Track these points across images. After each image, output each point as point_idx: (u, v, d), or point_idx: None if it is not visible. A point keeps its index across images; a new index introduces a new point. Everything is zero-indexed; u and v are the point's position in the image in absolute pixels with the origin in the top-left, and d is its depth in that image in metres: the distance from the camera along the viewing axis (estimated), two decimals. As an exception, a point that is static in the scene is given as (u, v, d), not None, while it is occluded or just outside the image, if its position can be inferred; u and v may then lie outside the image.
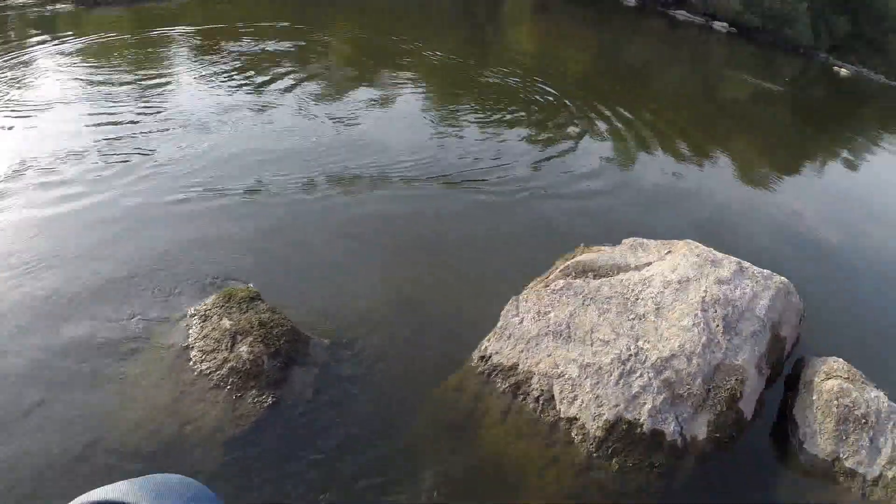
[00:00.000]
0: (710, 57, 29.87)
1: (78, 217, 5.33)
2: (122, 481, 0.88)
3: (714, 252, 5.22)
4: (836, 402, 4.33)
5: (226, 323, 4.16)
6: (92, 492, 0.85)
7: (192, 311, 4.42)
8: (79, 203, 5.54)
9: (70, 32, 14.85)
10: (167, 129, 7.38)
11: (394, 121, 8.86)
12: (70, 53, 12.15)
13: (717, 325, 4.40)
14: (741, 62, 30.52)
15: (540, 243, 6.30)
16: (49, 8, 19.48)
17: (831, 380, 4.48)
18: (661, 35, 34.86)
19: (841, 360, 4.71)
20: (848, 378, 4.50)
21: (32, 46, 12.86)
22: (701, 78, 22.20)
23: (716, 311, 4.48)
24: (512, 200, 7.09)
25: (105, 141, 6.87)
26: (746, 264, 5.09)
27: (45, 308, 4.32)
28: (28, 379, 3.81)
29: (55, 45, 13.01)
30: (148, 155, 6.62)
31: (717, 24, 47.98)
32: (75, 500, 0.83)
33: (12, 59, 11.50)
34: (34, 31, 14.67)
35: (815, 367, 4.69)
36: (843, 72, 42.01)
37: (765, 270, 5.08)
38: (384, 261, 5.52)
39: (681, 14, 48.65)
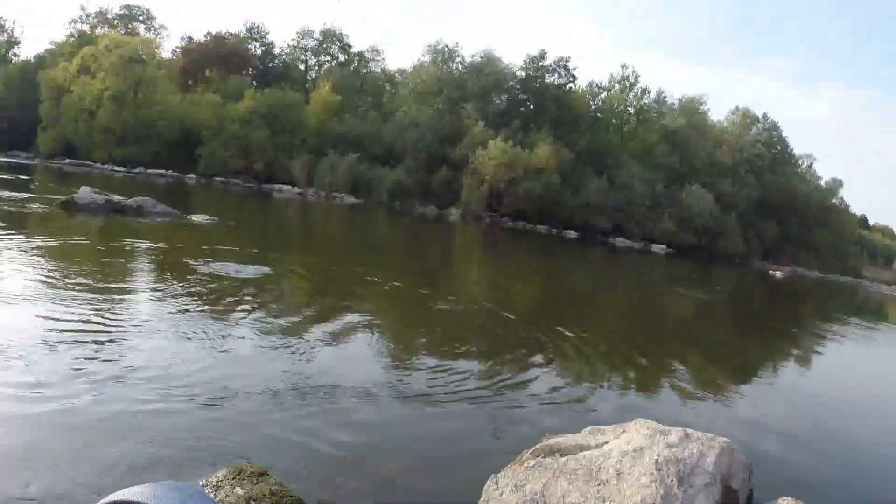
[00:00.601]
0: (652, 276, 31.59)
1: (52, 417, 5.77)
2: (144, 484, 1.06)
3: (662, 425, 5.92)
4: (785, 538, 4.91)
5: (239, 491, 4.66)
6: (116, 492, 1.02)
7: (202, 482, 4.89)
8: (52, 404, 6.00)
9: (47, 232, 15.93)
10: (130, 337, 8.06)
11: (359, 346, 9.62)
12: (41, 252, 13.14)
13: (672, 480, 5.03)
14: (681, 278, 32.27)
15: (509, 436, 7.00)
16: (33, 207, 20.72)
17: (779, 518, 5.08)
18: (604, 261, 36.81)
19: (790, 498, 5.34)
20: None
21: (8, 239, 13.88)
22: (645, 296, 23.56)
23: (669, 469, 5.13)
24: (479, 406, 7.77)
25: (71, 342, 7.51)
26: (691, 431, 5.78)
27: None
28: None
29: (30, 241, 14.05)
30: (113, 360, 7.20)
31: (656, 247, 50.79)
32: (102, 500, 1.00)
33: None
34: (11, 226, 15.74)
35: (767, 510, 5.29)
36: (779, 273, 44.42)
37: (708, 433, 5.78)
38: (375, 445, 6.15)
39: (620, 241, 51.50)
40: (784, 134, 67.41)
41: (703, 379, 11.08)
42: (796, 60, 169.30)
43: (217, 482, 4.89)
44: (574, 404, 8.50)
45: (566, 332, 12.83)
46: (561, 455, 5.51)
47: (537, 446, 5.76)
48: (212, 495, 4.74)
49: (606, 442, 5.76)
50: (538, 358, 10.64)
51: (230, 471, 5.01)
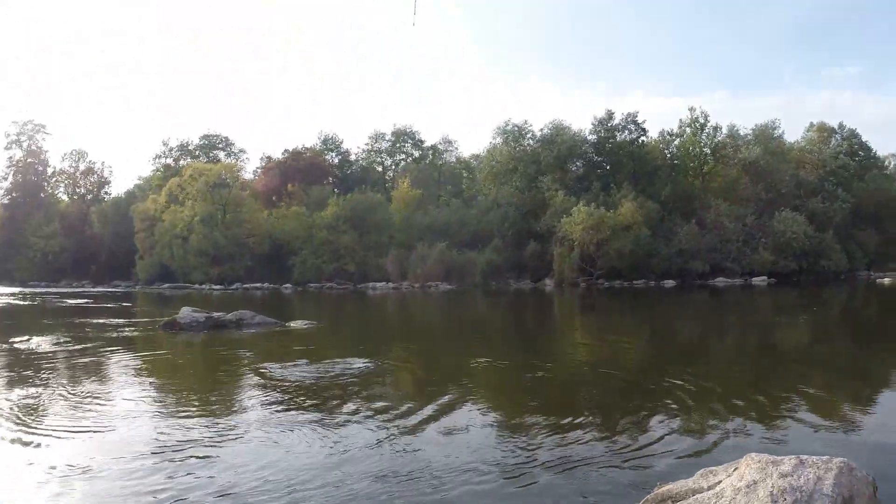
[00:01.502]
0: (756, 310, 30.65)
1: None
2: None
3: (774, 456, 5.75)
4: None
5: None
6: None
7: None
8: None
9: (153, 352, 16.69)
10: (239, 444, 8.23)
11: (468, 427, 9.64)
12: (148, 370, 13.83)
13: (790, 511, 4.87)
14: (787, 306, 31.21)
15: (625, 490, 6.88)
16: (138, 330, 21.75)
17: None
18: (706, 304, 35.99)
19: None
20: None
21: (116, 360, 14.59)
22: (752, 331, 22.89)
23: (785, 499, 4.97)
24: (589, 467, 7.67)
25: (182, 454, 7.68)
26: (805, 456, 5.59)
27: None
28: None
29: (136, 360, 14.78)
30: (218, 473, 7.36)
31: (756, 280, 49.43)
32: None
33: (97, 367, 13.11)
34: (119, 349, 16.55)
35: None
36: (887, 280, 42.55)
37: (823, 456, 5.58)
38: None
39: (720, 281, 50.36)
40: (864, 139, 65.50)
41: (820, 406, 10.63)
42: (857, 66, 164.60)
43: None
44: (687, 451, 8.28)
45: (675, 381, 12.55)
46: (673, 502, 5.40)
47: (649, 497, 5.66)
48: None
49: (718, 482, 5.62)
50: (651, 411, 10.43)
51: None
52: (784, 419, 9.75)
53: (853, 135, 65.28)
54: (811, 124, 68.33)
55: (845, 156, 62.16)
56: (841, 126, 66.22)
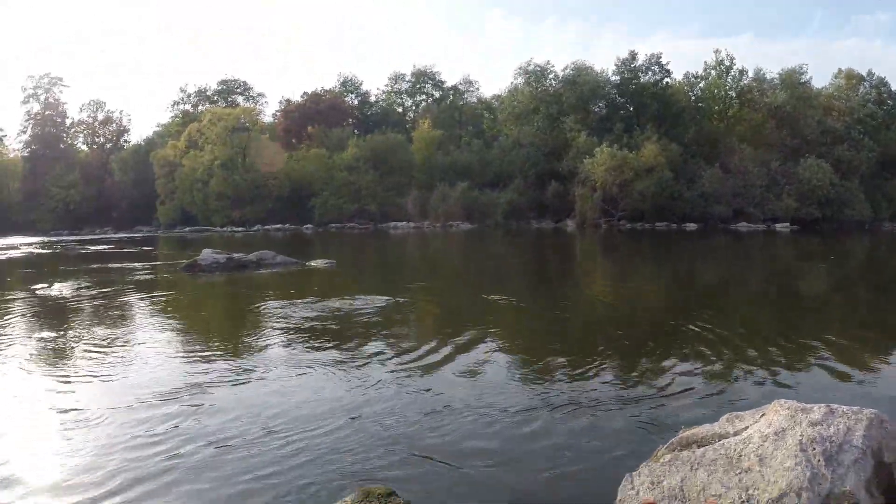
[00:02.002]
0: (779, 256, 30.39)
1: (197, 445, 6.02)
2: None
3: (803, 403, 5.63)
4: (953, 507, 4.57)
5: None
6: None
7: None
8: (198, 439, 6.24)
9: (175, 293, 16.84)
10: (263, 375, 8.23)
11: (489, 363, 9.59)
12: (172, 311, 13.98)
13: (819, 460, 4.77)
14: (809, 253, 30.90)
15: (645, 435, 6.82)
16: (159, 273, 22.02)
17: (943, 489, 4.74)
18: (728, 248, 35.67)
19: (949, 469, 4.97)
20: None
21: (139, 302, 14.74)
22: (775, 277, 22.70)
23: (814, 449, 4.87)
24: (612, 409, 7.61)
25: (213, 383, 7.83)
26: (835, 406, 5.47)
27: None
28: None
29: (159, 302, 14.98)
30: (249, 396, 7.37)
31: (780, 226, 48.92)
32: None
33: (119, 310, 13.25)
34: (141, 291, 16.78)
35: (927, 486, 4.94)
36: (910, 231, 42.05)
37: (853, 406, 5.46)
38: (511, 458, 6.12)
39: (742, 226, 49.91)
40: (893, 88, 63.96)
41: (845, 353, 10.49)
42: (889, 13, 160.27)
43: (347, 505, 4.97)
44: (711, 395, 8.21)
45: (698, 324, 12.47)
46: (698, 446, 5.32)
47: (673, 440, 5.58)
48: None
49: (745, 428, 5.52)
50: (673, 354, 10.37)
51: (358, 494, 5.07)
52: (808, 367, 9.63)
53: (882, 83, 63.82)
54: (839, 70, 66.74)
55: (873, 104, 60.82)
56: (870, 74, 64.72)
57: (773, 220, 50.61)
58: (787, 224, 49.33)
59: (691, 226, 50.41)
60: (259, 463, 5.98)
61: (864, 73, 64.97)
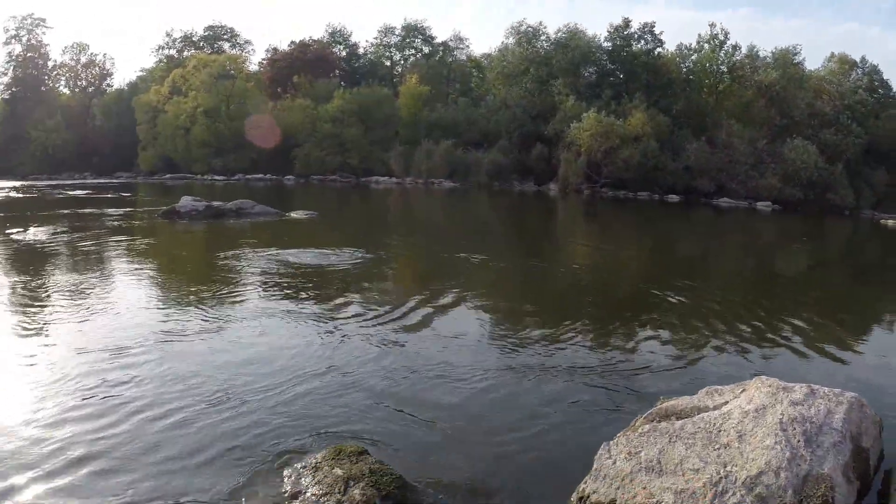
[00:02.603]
0: (759, 234, 30.47)
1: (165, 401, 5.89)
2: None
3: (784, 382, 5.57)
4: (930, 494, 4.53)
5: (338, 471, 4.64)
6: None
7: (301, 464, 4.94)
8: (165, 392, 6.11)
9: (152, 239, 16.63)
10: (239, 326, 8.07)
11: (467, 322, 9.50)
12: (148, 257, 13.74)
13: (798, 441, 4.71)
14: (790, 234, 31.00)
15: (621, 402, 6.77)
16: (138, 219, 21.73)
17: (921, 476, 4.70)
18: (710, 223, 35.79)
19: (927, 456, 4.94)
20: (937, 470, 4.71)
21: (116, 247, 14.52)
22: (754, 254, 22.74)
23: (794, 429, 4.80)
24: (589, 375, 7.55)
25: (183, 336, 7.57)
26: (816, 386, 5.42)
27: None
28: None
29: (136, 248, 14.75)
30: (224, 349, 7.23)
31: (761, 205, 49.03)
32: None
33: (93, 255, 13.05)
34: (118, 237, 16.50)
35: (904, 471, 4.91)
36: (891, 222, 42.21)
37: (835, 389, 5.41)
38: (486, 420, 6.04)
39: (724, 201, 49.98)
40: (885, 77, 63.86)
41: (822, 334, 10.52)
42: (889, 1, 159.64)
43: (316, 464, 4.86)
44: (688, 367, 8.19)
45: (676, 296, 12.46)
46: (677, 419, 5.25)
47: (652, 411, 5.51)
48: (311, 476, 4.74)
49: (725, 403, 5.46)
50: (649, 323, 10.35)
51: (329, 452, 4.97)
52: (783, 345, 9.62)
53: (875, 70, 63.48)
54: (833, 54, 66.25)
55: (864, 91, 60.58)
56: (863, 60, 64.25)
57: (756, 199, 50.64)
58: (769, 203, 49.38)
59: (673, 197, 50.39)
60: (229, 417, 5.85)
61: (858, 60, 64.78)
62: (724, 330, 10.22)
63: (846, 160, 54.28)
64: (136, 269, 13.04)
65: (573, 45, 62.37)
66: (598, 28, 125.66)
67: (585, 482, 4.81)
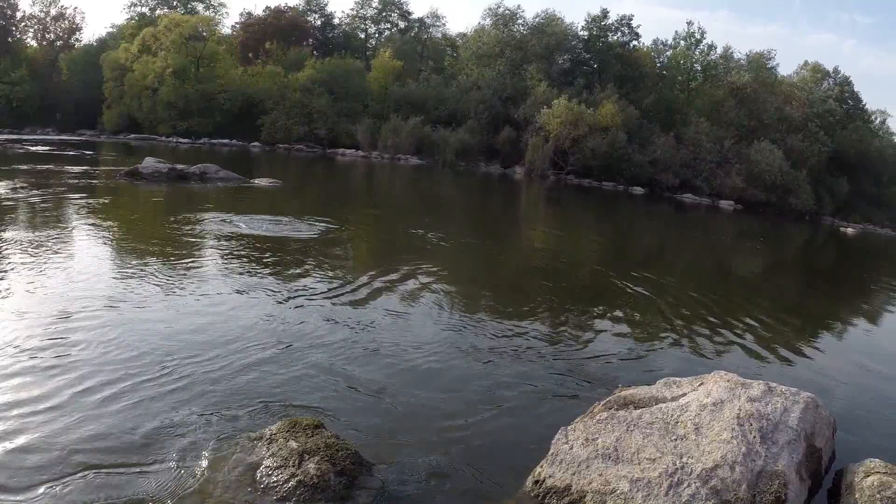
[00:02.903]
0: (720, 232, 30.77)
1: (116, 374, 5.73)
2: None
3: (743, 378, 5.59)
4: (878, 495, 4.56)
5: (293, 444, 4.54)
6: None
7: (255, 435, 4.84)
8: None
9: (112, 200, 16.23)
10: (192, 294, 7.89)
11: (425, 303, 9.42)
12: (106, 219, 13.39)
13: (755, 437, 4.72)
14: (750, 234, 31.36)
15: (578, 388, 6.75)
16: (99, 178, 21.23)
17: (871, 476, 4.74)
18: (672, 217, 36.05)
19: (877, 459, 4.98)
20: (887, 472, 4.75)
21: (75, 208, 14.14)
22: (714, 251, 22.95)
23: (751, 425, 4.82)
24: (546, 360, 7.53)
25: (134, 302, 7.39)
26: (774, 384, 5.45)
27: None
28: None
29: (95, 208, 14.35)
30: (176, 317, 7.03)
31: (724, 203, 49.58)
32: None
33: (49, 214, 12.71)
34: (77, 196, 16.07)
35: (853, 471, 4.95)
36: (850, 230, 43.04)
37: (792, 388, 5.44)
38: (441, 401, 5.99)
39: (687, 197, 50.41)
40: (856, 90, 64.87)
41: (777, 334, 10.64)
42: (869, 18, 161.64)
43: (271, 436, 4.75)
44: (644, 357, 8.23)
45: (634, 287, 12.51)
46: (635, 408, 5.24)
47: (610, 398, 5.49)
48: (265, 449, 4.63)
49: (683, 394, 5.46)
50: (607, 311, 10.37)
51: (285, 424, 4.87)
52: (736, 342, 9.70)
53: (846, 82, 64.39)
54: (806, 62, 67.29)
55: (834, 101, 61.44)
56: (836, 71, 65.16)
57: (719, 196, 51.17)
58: (732, 202, 49.94)
59: (638, 189, 50.70)
60: (176, 389, 5.69)
61: (831, 70, 65.69)
62: (681, 324, 10.28)
63: (810, 167, 55.01)
64: (92, 230, 12.65)
65: (549, 31, 62.33)
66: (576, 17, 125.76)
67: (542, 466, 4.79)
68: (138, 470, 4.47)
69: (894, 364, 10.03)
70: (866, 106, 66.34)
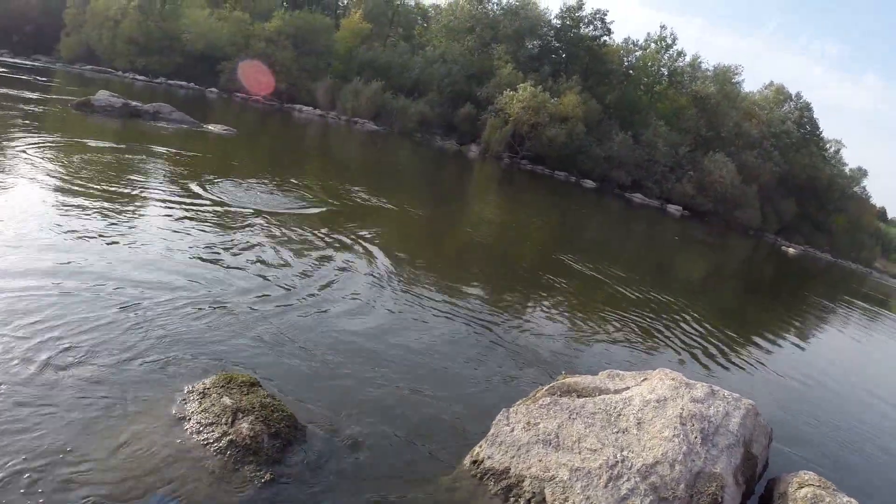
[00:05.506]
0: (666, 235, 31.12)
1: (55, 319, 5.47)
2: None
3: (687, 378, 5.57)
4: (810, 509, 4.57)
5: (227, 401, 4.35)
6: None
7: (188, 388, 4.63)
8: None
9: (60, 131, 15.58)
10: (131, 242, 7.56)
11: (367, 273, 9.25)
12: (52, 151, 12.81)
13: (696, 437, 4.69)
14: (696, 241, 31.80)
15: (526, 369, 6.68)
16: (49, 107, 20.41)
17: (805, 488, 4.74)
18: (619, 214, 36.36)
19: (811, 472, 5.00)
20: (820, 486, 4.77)
21: (21, 137, 13.52)
22: (660, 253, 23.17)
23: (693, 425, 4.78)
24: (499, 336, 7.45)
25: (73, 248, 7.07)
26: (717, 388, 5.44)
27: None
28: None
29: (42, 139, 13.71)
30: (113, 266, 6.74)
31: (672, 207, 50.24)
32: None
33: None
34: (25, 124, 15.39)
35: (787, 481, 4.97)
36: (791, 251, 44.06)
37: (734, 393, 5.44)
38: (384, 371, 5.84)
39: (637, 197, 50.93)
40: (815, 116, 66.38)
41: (716, 339, 10.73)
42: (844, 46, 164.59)
43: (204, 389, 4.55)
44: (588, 346, 8.22)
45: (579, 277, 12.54)
46: (578, 396, 5.17)
47: (554, 384, 5.42)
48: (197, 403, 4.44)
49: (627, 388, 5.42)
50: (553, 297, 10.34)
51: (219, 378, 4.66)
52: (682, 344, 9.75)
53: (806, 108, 65.86)
54: (771, 82, 68.78)
55: (792, 124, 62.76)
56: (798, 96, 66.64)
57: (668, 200, 51.83)
58: (680, 208, 50.62)
59: (589, 183, 51.01)
60: (112, 338, 5.39)
61: (794, 94, 67.10)
62: (624, 316, 10.31)
63: (761, 184, 56.06)
64: (36, 163, 11.89)
65: (523, 15, 62.16)
66: (551, 3, 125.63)
67: (481, 446, 4.68)
68: (63, 421, 4.21)
69: (827, 382, 10.22)
70: (823, 133, 67.92)
